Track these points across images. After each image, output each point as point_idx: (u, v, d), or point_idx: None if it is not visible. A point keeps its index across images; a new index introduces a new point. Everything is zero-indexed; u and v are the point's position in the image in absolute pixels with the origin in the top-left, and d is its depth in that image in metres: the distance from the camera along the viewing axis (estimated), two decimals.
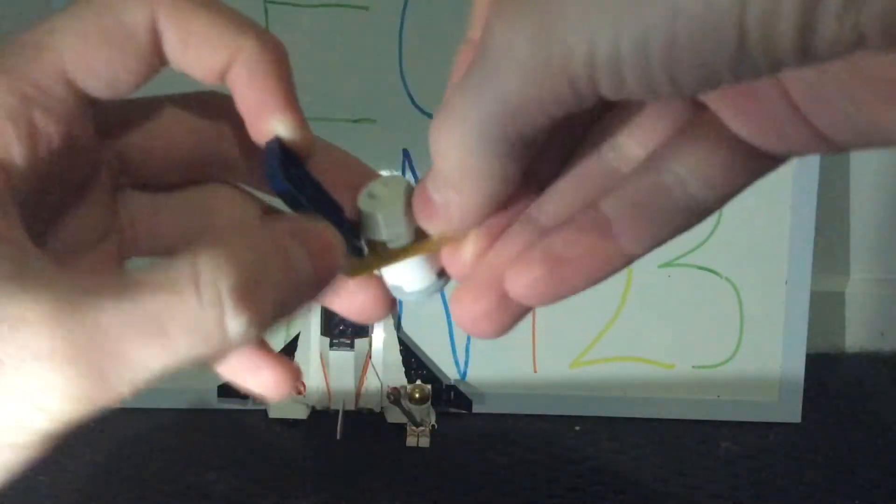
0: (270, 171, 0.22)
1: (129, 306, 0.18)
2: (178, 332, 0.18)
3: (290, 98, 0.23)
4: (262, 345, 0.26)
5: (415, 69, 0.63)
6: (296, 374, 0.25)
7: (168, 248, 0.27)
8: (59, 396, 0.18)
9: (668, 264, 0.65)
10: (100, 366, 0.18)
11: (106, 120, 0.24)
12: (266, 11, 0.62)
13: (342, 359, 0.62)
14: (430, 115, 0.63)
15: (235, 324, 0.19)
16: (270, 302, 0.20)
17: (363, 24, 0.62)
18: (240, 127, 0.24)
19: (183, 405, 0.65)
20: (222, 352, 0.19)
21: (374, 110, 0.63)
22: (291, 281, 0.21)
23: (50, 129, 0.21)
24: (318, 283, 0.21)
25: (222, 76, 0.23)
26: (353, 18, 0.62)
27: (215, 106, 0.25)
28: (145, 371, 0.19)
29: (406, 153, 0.64)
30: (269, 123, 0.23)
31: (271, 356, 0.25)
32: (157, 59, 0.22)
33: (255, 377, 0.25)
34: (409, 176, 0.64)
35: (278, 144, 0.23)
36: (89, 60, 0.21)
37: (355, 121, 0.63)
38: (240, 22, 0.23)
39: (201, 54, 0.22)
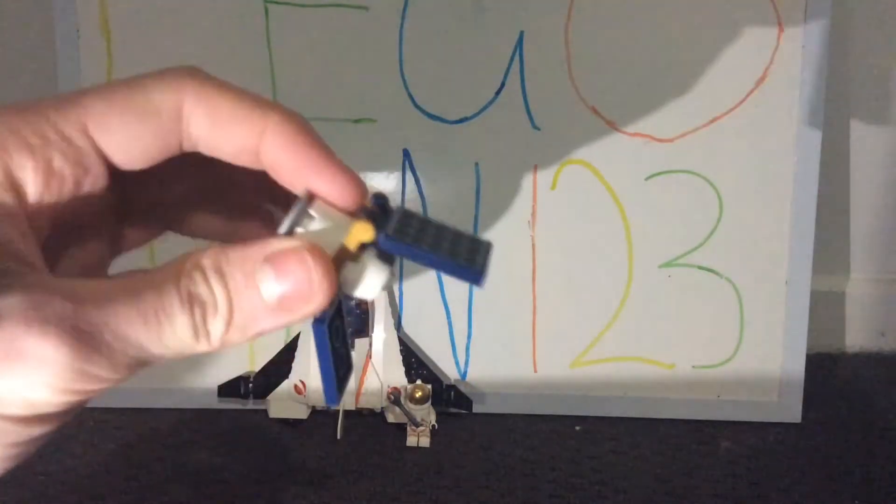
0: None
1: (132, 295, 0.22)
2: (167, 324, 0.22)
3: (330, 154, 0.25)
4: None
5: (415, 69, 0.63)
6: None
7: None
8: (61, 367, 0.21)
9: (668, 264, 0.65)
10: (108, 342, 0.21)
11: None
12: (266, 11, 0.62)
13: None
14: (430, 116, 0.63)
15: (199, 326, 0.22)
16: (229, 318, 0.23)
17: (363, 24, 0.62)
18: (222, 176, 0.27)
19: (183, 405, 0.65)
20: (197, 347, 0.23)
21: (374, 110, 0.63)
22: (254, 304, 0.23)
23: (65, 172, 0.23)
24: (291, 309, 0.23)
25: (255, 151, 0.25)
26: (353, 18, 0.62)
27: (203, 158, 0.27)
28: (143, 352, 0.22)
29: (406, 153, 0.64)
30: (312, 182, 0.25)
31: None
32: (176, 140, 0.24)
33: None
34: (408, 176, 0.64)
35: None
36: (110, 123, 0.24)
37: (355, 121, 0.63)
38: (263, 100, 0.25)
39: (230, 131, 0.24)
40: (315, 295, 0.23)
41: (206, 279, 0.23)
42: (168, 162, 0.26)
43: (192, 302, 0.22)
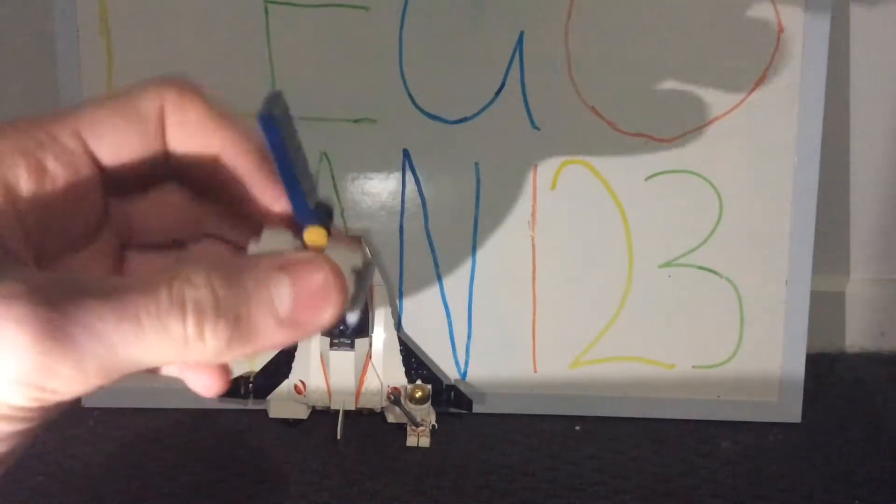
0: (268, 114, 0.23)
1: (111, 293, 0.21)
2: (150, 326, 0.21)
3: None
4: None
5: (415, 69, 0.63)
6: (226, 382, 0.27)
7: None
8: (22, 354, 0.20)
9: (668, 264, 0.65)
10: (75, 338, 0.20)
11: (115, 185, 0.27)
12: (266, 11, 0.62)
13: (342, 359, 0.62)
14: (430, 116, 0.63)
15: (191, 334, 0.21)
16: (233, 326, 0.22)
17: (363, 24, 0.62)
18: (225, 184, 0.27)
19: (183, 405, 0.65)
20: (186, 357, 0.21)
21: (374, 110, 0.63)
22: (264, 313, 0.22)
23: (57, 171, 0.24)
24: (300, 323, 0.23)
25: (215, 159, 0.26)
26: (353, 18, 0.62)
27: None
28: (117, 354, 0.21)
29: (406, 153, 0.64)
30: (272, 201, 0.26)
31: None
32: (160, 144, 0.26)
33: (193, 375, 0.27)
34: (408, 176, 0.64)
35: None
36: (101, 128, 0.25)
37: (355, 121, 0.63)
38: (227, 115, 0.26)
39: (194, 140, 0.26)
40: (330, 307, 0.23)
41: (210, 283, 0.21)
42: (169, 194, 0.27)
43: (185, 306, 0.21)
